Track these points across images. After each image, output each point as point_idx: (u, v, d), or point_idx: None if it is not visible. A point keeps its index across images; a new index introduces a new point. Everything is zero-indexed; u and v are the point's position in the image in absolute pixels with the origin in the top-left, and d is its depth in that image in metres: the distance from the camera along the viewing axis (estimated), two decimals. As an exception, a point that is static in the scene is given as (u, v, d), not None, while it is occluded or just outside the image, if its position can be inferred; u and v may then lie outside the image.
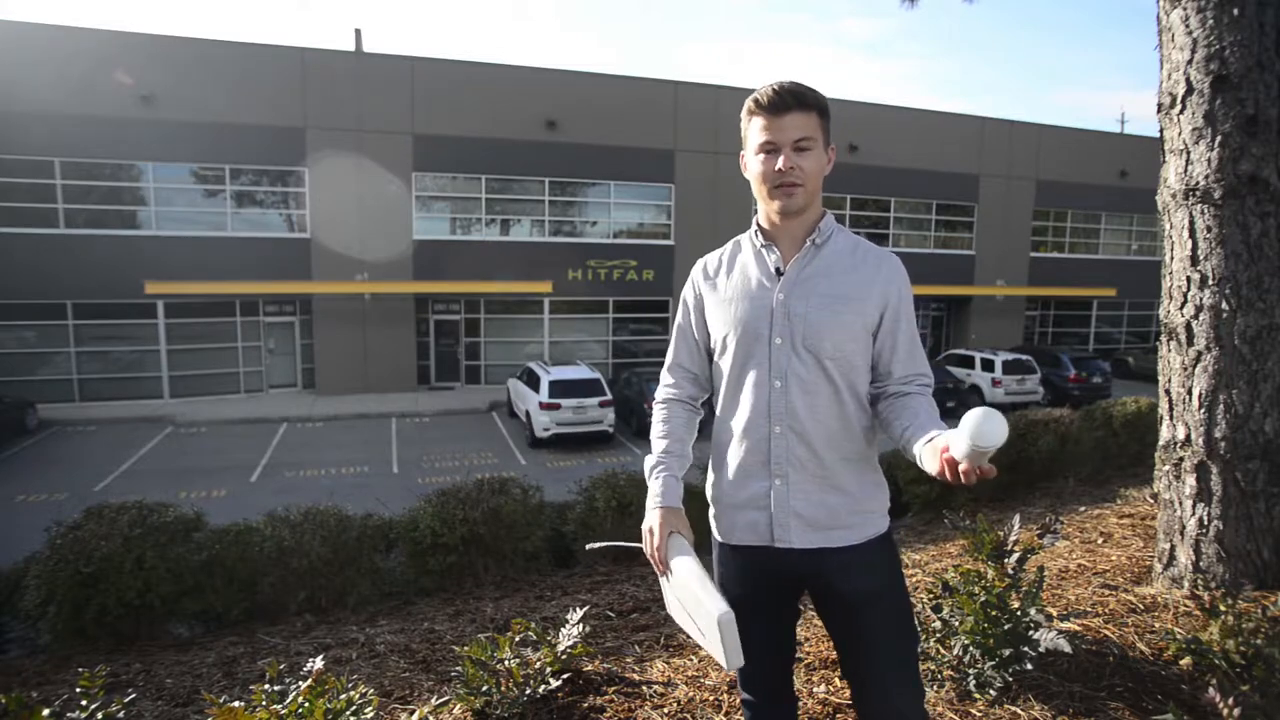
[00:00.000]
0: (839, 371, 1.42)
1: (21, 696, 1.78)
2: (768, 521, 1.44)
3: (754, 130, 1.43)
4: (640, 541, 1.54)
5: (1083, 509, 4.63)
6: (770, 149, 1.41)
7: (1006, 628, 2.10)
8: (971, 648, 2.15)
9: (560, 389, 13.87)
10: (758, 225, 1.51)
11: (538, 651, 2.31)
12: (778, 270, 1.46)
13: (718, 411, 1.56)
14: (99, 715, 1.89)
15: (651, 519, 1.48)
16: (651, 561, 1.49)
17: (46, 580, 4.10)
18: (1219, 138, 2.56)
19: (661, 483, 1.51)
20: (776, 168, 1.40)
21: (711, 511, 1.57)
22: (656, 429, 1.60)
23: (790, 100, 1.39)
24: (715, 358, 1.54)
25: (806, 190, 1.41)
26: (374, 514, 5.24)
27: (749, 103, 1.44)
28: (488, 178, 18.59)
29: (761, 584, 1.50)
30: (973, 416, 1.09)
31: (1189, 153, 2.64)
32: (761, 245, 1.49)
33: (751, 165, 1.46)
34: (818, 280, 1.43)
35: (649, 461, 1.57)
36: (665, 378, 1.65)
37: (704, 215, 19.54)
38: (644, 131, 19.20)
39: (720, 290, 1.51)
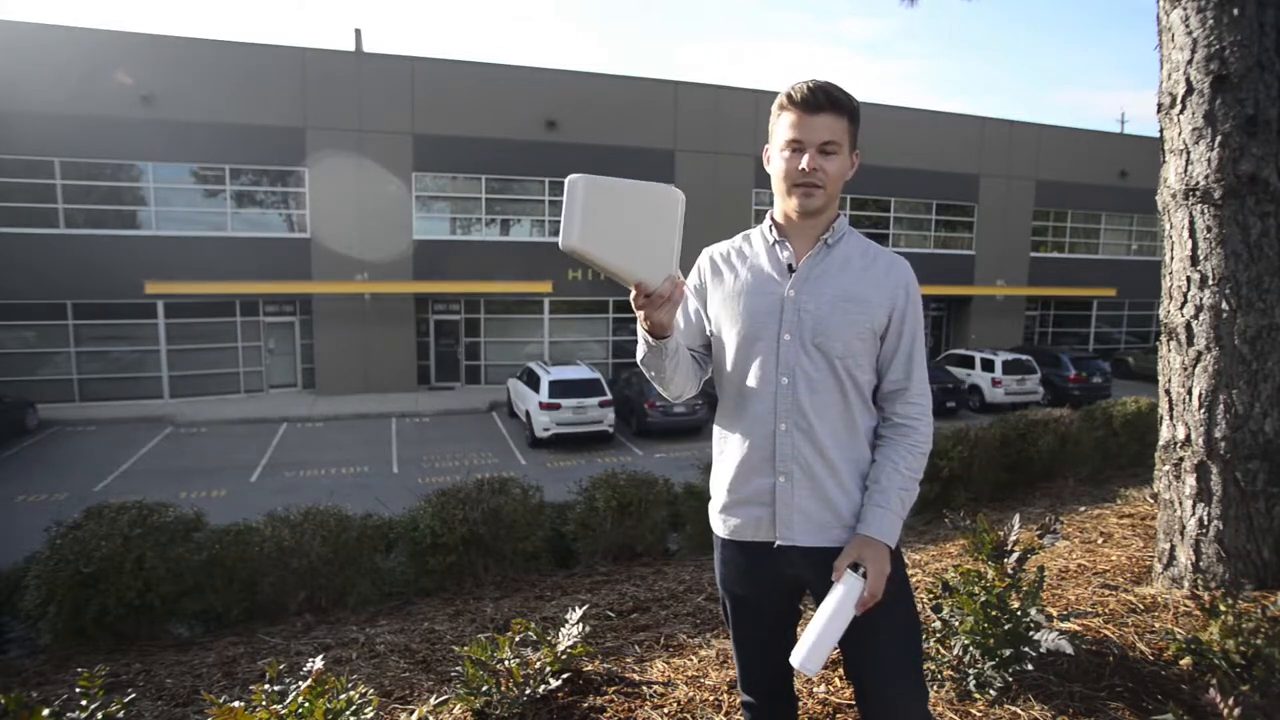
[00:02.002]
0: (846, 371, 1.41)
1: (21, 696, 1.78)
2: (770, 518, 1.44)
3: (783, 125, 1.41)
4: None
5: (1083, 509, 4.64)
6: (796, 147, 1.40)
7: (1006, 628, 2.10)
8: (971, 648, 2.15)
9: (560, 389, 13.86)
10: (772, 220, 1.51)
11: (538, 651, 2.31)
12: (790, 266, 1.46)
13: (720, 406, 1.54)
14: (99, 715, 1.89)
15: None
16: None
17: (46, 580, 4.11)
18: (1219, 138, 2.56)
19: None
20: (800, 167, 1.39)
21: (713, 506, 1.56)
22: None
23: (824, 100, 1.38)
24: (718, 351, 1.52)
25: (826, 193, 1.41)
26: (374, 514, 5.25)
27: (781, 97, 1.42)
28: (488, 178, 18.60)
29: (763, 583, 1.50)
30: (798, 653, 1.32)
31: (1189, 153, 2.64)
32: (775, 241, 1.49)
33: (775, 161, 1.45)
34: (829, 279, 1.43)
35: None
36: None
37: (704, 215, 19.51)
38: (644, 131, 19.19)
39: (727, 283, 1.50)
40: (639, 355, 1.42)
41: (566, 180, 1.16)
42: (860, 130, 1.48)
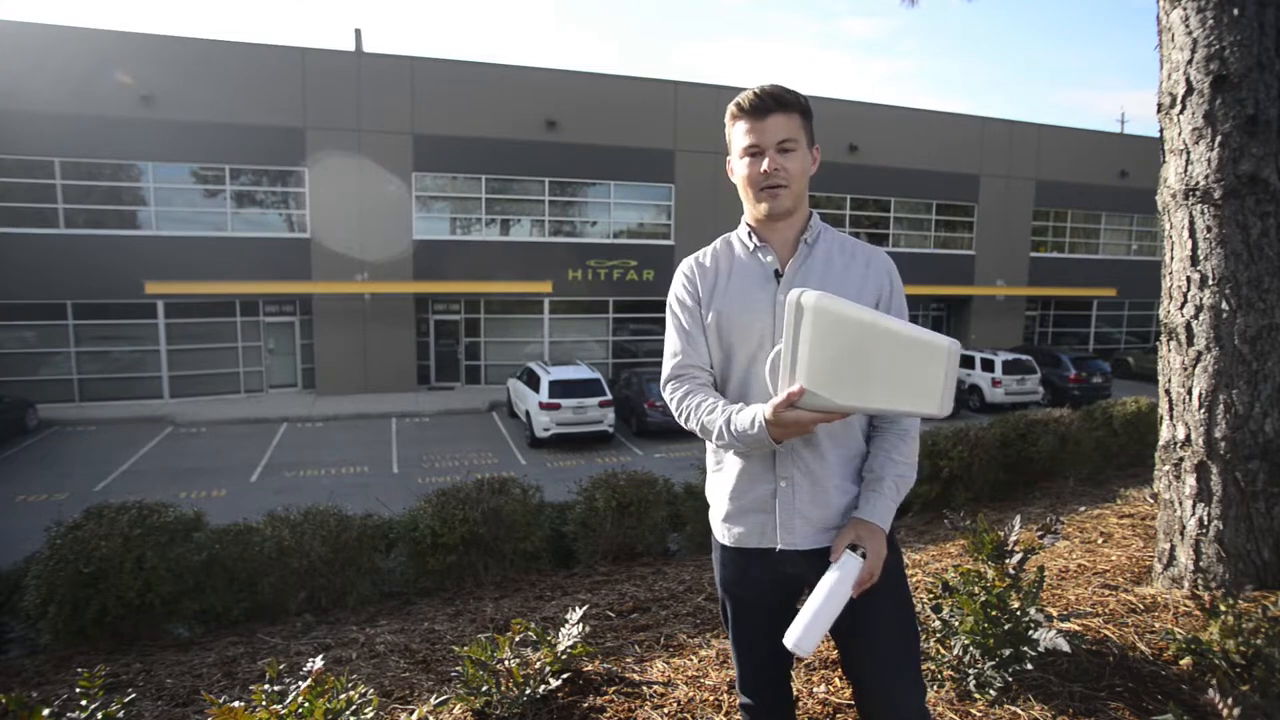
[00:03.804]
0: None
1: (22, 696, 1.78)
2: (773, 525, 1.45)
3: (738, 135, 1.45)
4: None
5: (1083, 509, 4.63)
6: (755, 152, 1.42)
7: (1006, 628, 2.10)
8: (971, 648, 2.15)
9: (560, 389, 13.86)
10: (749, 226, 1.52)
11: (538, 651, 2.31)
12: (776, 273, 1.47)
13: None
14: (99, 715, 1.89)
15: (763, 415, 1.30)
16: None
17: (46, 580, 4.10)
18: (1219, 138, 2.56)
19: (744, 410, 1.37)
20: (762, 169, 1.41)
21: (713, 514, 1.56)
22: (699, 407, 1.43)
23: (771, 103, 1.41)
24: (715, 359, 1.52)
25: (792, 191, 1.43)
26: (374, 514, 5.25)
27: (731, 108, 1.45)
28: (488, 178, 18.59)
29: (764, 585, 1.50)
30: (792, 633, 1.31)
31: (1189, 153, 2.64)
32: (756, 247, 1.49)
33: (737, 169, 1.47)
34: (814, 280, 1.44)
35: (717, 422, 1.39)
36: (674, 380, 1.52)
37: (704, 215, 19.54)
38: (644, 131, 19.19)
39: (719, 292, 1.50)
40: (726, 443, 1.39)
41: (949, 347, 1.18)
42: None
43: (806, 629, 1.30)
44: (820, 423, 1.26)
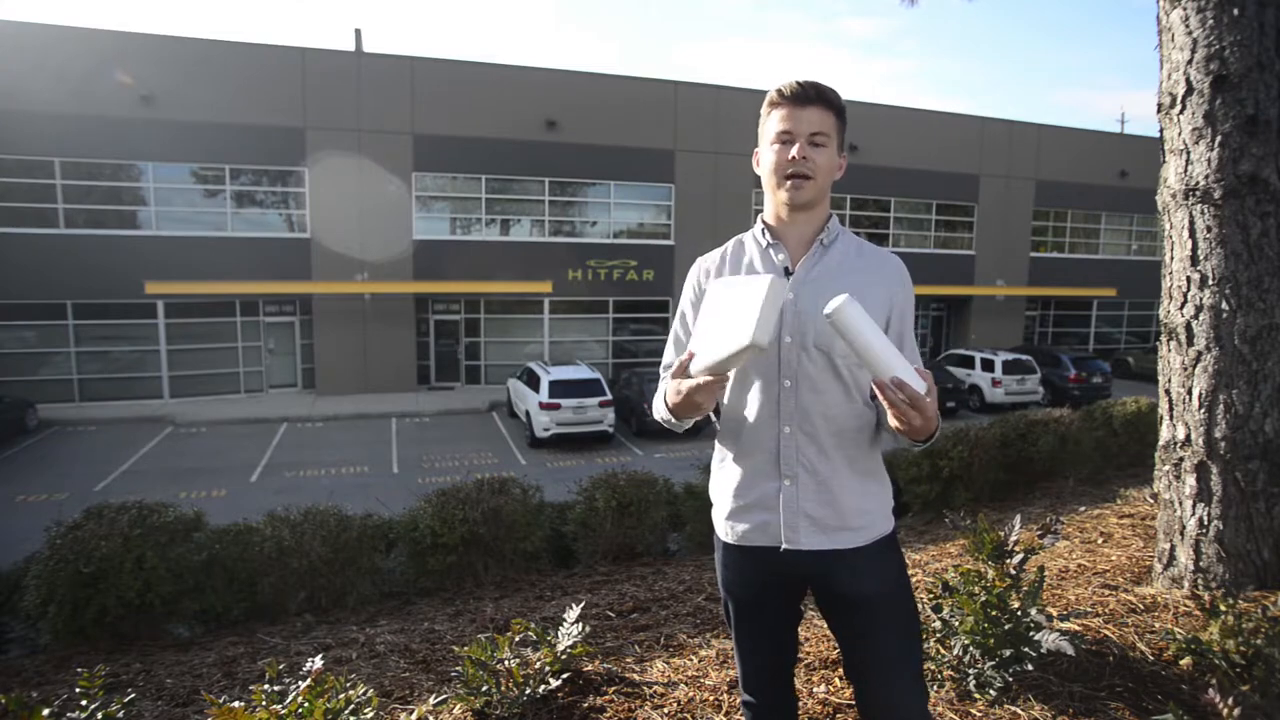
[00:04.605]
0: (848, 370, 1.42)
1: (22, 696, 1.78)
2: (777, 523, 1.44)
3: (773, 121, 1.45)
4: None
5: (1083, 509, 4.63)
6: (786, 139, 1.42)
7: (1007, 628, 2.10)
8: (971, 648, 2.15)
9: (560, 389, 13.87)
10: (764, 224, 1.51)
11: (538, 651, 2.31)
12: (786, 270, 1.46)
13: (722, 412, 1.53)
14: (99, 715, 1.89)
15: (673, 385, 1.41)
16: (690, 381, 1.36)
17: (46, 580, 4.11)
18: (1219, 138, 2.56)
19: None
20: (790, 156, 1.41)
21: (716, 512, 1.56)
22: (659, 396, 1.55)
23: (813, 93, 1.41)
24: None
25: (816, 184, 1.42)
26: (374, 514, 5.25)
27: (770, 95, 1.45)
28: (488, 178, 18.60)
29: (767, 584, 1.50)
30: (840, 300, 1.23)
31: (1189, 153, 2.64)
32: (769, 244, 1.49)
33: (765, 156, 1.47)
34: (827, 280, 1.43)
35: (657, 398, 1.53)
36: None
37: (704, 215, 19.54)
38: (644, 131, 19.19)
39: None
40: (662, 416, 1.50)
41: (772, 281, 1.24)
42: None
43: (855, 310, 1.21)
44: (703, 391, 1.33)
